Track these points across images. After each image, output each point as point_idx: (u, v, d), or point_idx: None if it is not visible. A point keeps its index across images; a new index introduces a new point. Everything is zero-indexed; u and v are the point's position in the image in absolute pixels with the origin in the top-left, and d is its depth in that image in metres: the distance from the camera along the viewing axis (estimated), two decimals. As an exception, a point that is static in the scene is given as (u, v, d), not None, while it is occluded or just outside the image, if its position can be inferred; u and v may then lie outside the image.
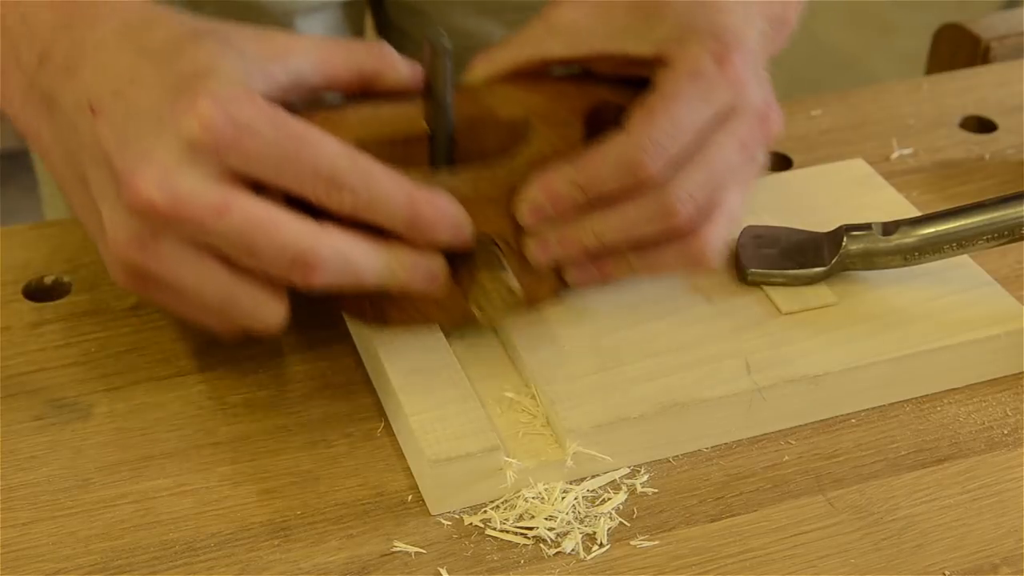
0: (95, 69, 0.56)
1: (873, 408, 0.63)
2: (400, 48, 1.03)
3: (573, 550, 0.55)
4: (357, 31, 0.99)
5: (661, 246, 0.60)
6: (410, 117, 0.63)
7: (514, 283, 0.57)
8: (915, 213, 0.69)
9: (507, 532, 0.56)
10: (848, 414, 0.62)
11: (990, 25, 0.97)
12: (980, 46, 0.96)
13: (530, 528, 0.56)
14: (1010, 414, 0.63)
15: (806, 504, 0.58)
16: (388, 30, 1.04)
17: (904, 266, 0.65)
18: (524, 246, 0.60)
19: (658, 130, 0.57)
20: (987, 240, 0.65)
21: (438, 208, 0.56)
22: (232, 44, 0.56)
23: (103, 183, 0.55)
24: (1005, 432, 0.62)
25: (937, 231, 0.65)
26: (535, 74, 0.66)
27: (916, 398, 0.63)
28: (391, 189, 0.55)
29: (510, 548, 0.55)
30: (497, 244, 0.59)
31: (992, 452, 0.60)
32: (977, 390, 0.64)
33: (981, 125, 0.85)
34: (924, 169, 0.80)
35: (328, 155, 0.54)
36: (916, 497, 0.58)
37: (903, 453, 0.60)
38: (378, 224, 0.55)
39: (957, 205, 0.66)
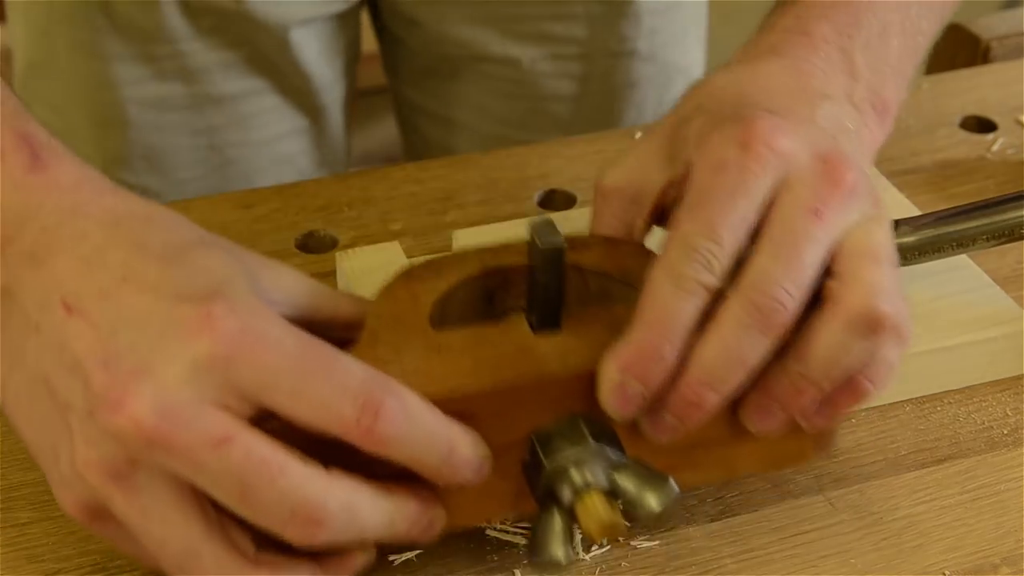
0: (74, 263, 0.47)
1: (873, 408, 0.63)
2: (396, 57, 1.04)
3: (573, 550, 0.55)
4: (350, 41, 0.99)
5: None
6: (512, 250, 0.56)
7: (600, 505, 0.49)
8: (916, 213, 0.69)
9: (507, 532, 0.56)
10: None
11: (990, 25, 0.97)
12: (980, 46, 0.96)
13: (530, 528, 0.56)
14: (1010, 414, 0.63)
15: (806, 504, 0.58)
16: (384, 38, 1.04)
17: (904, 265, 0.65)
18: (642, 432, 0.51)
19: (695, 236, 0.49)
20: (987, 240, 0.65)
21: (472, 449, 0.48)
22: (240, 259, 0.49)
23: (73, 393, 0.46)
24: (1005, 432, 0.62)
25: (937, 231, 0.65)
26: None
27: (916, 398, 0.63)
28: (430, 424, 0.47)
29: (510, 548, 0.55)
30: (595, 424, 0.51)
31: (992, 452, 0.60)
32: (977, 390, 0.64)
33: (981, 125, 0.85)
34: (924, 169, 0.80)
35: (357, 377, 0.46)
36: (916, 497, 0.58)
37: (903, 453, 0.60)
38: (404, 462, 0.47)
39: (957, 205, 0.66)
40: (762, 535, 0.56)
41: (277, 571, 0.48)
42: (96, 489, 0.46)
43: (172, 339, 0.45)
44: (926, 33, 0.65)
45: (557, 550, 0.49)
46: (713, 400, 0.49)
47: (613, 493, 0.49)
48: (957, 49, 0.98)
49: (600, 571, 0.54)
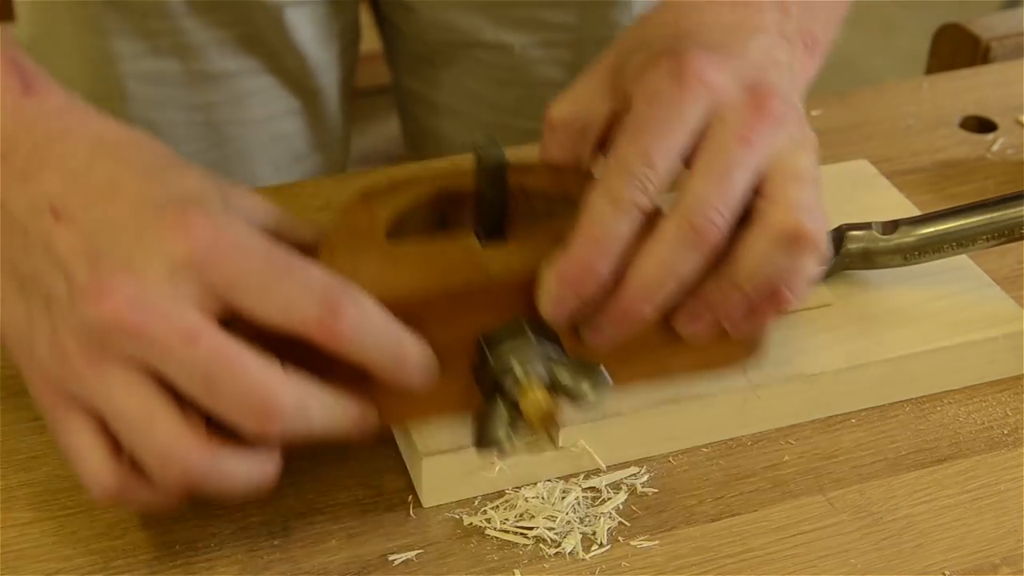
0: (62, 176, 0.52)
1: (873, 408, 0.63)
2: (393, 45, 1.04)
3: (573, 550, 0.55)
4: (346, 26, 0.99)
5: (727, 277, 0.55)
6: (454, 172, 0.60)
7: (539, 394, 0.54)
8: (916, 213, 0.69)
9: (507, 532, 0.56)
10: (848, 414, 0.62)
11: (990, 25, 0.97)
12: (980, 46, 0.96)
13: (530, 528, 0.56)
14: (1010, 414, 0.63)
15: (806, 504, 0.58)
16: (384, 28, 1.04)
17: (904, 265, 0.65)
18: (582, 338, 0.56)
19: (631, 161, 0.53)
20: (987, 240, 0.65)
21: (420, 354, 0.52)
22: (213, 181, 0.54)
23: (56, 286, 0.51)
24: (1005, 432, 0.62)
25: (937, 231, 0.65)
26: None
27: (916, 398, 0.63)
28: (384, 327, 0.51)
29: (510, 548, 0.55)
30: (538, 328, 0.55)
31: (992, 452, 0.60)
32: (977, 390, 0.64)
33: (981, 125, 0.85)
34: (924, 169, 0.80)
35: (320, 281, 0.50)
36: (916, 497, 0.58)
37: (903, 453, 0.60)
38: (356, 361, 0.51)
39: (957, 205, 0.66)
40: (762, 535, 0.56)
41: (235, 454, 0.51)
42: (70, 373, 0.50)
43: (152, 241, 0.49)
44: None
45: (500, 433, 0.54)
46: (649, 312, 0.54)
47: (552, 386, 0.54)
48: (957, 49, 0.98)
49: (600, 571, 0.54)
